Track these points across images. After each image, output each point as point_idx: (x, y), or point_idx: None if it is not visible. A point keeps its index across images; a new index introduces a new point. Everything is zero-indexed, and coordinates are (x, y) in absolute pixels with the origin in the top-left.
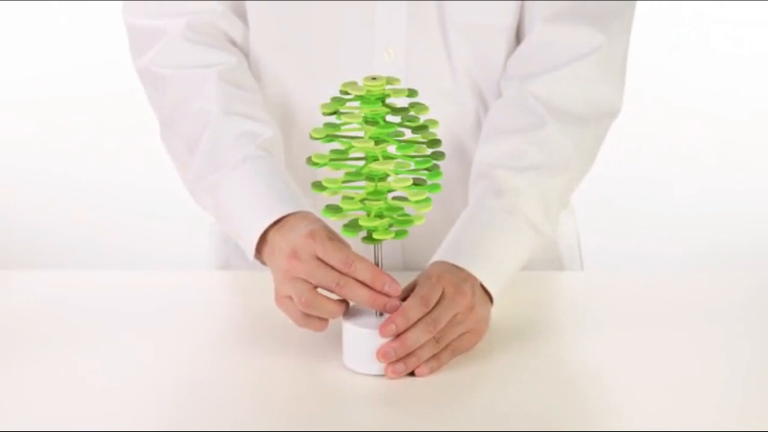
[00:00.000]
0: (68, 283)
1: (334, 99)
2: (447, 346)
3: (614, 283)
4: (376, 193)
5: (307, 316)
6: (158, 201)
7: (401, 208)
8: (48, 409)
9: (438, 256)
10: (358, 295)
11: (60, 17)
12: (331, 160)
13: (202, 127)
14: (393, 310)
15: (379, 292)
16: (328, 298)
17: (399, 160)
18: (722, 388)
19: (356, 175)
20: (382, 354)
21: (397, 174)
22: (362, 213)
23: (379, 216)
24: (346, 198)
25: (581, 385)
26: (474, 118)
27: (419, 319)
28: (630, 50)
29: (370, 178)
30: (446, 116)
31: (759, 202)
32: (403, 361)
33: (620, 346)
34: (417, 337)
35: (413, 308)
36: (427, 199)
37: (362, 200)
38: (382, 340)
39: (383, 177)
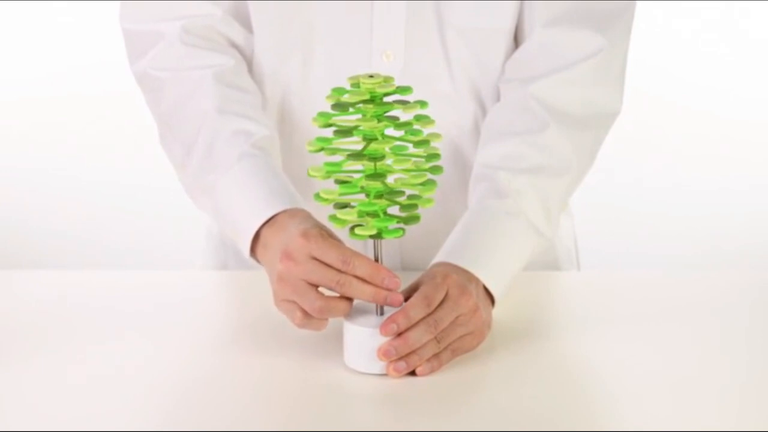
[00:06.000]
0: (68, 283)
1: (323, 113)
2: (448, 346)
3: (613, 283)
4: (375, 176)
5: (309, 317)
6: (158, 201)
7: (402, 192)
8: (48, 409)
9: (440, 257)
10: (359, 292)
11: (60, 17)
12: (327, 171)
13: (198, 128)
14: (395, 304)
15: (379, 287)
16: (337, 298)
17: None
18: (722, 388)
19: (356, 157)
20: (383, 352)
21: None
22: (361, 195)
23: (378, 196)
24: (343, 183)
25: (581, 386)
26: (471, 121)
27: (421, 319)
28: (630, 50)
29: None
30: (443, 119)
31: (759, 202)
32: (405, 360)
33: (620, 346)
34: (418, 336)
35: (415, 308)
36: (430, 183)
37: (361, 184)
38: (383, 339)
39: (381, 157)
